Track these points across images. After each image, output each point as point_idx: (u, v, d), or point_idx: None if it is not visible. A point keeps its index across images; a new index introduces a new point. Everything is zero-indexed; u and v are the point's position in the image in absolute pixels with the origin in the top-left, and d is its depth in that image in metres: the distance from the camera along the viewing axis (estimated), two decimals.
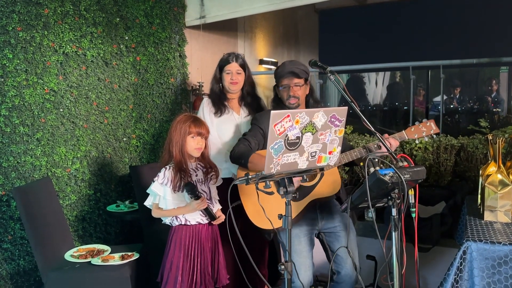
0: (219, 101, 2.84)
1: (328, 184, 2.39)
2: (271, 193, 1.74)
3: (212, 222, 2.37)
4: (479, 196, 2.44)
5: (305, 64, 2.52)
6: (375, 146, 2.38)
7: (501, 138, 2.17)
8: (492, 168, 2.25)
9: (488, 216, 2.18)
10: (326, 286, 2.70)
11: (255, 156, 2.34)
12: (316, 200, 2.41)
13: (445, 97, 6.09)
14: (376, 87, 7.04)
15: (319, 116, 1.71)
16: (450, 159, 3.29)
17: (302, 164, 1.75)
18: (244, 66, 2.86)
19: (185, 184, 2.23)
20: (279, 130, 1.63)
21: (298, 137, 1.68)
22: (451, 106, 6.15)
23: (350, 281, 2.39)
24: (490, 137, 2.36)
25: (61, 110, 3.30)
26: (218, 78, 2.87)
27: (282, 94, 2.53)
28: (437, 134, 2.37)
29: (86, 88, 3.46)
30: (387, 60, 4.27)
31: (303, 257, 2.37)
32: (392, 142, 2.29)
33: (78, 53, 3.39)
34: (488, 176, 2.19)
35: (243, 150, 2.39)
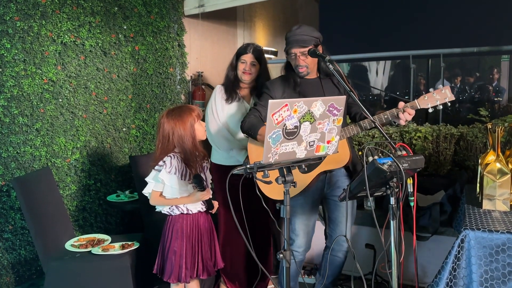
0: (232, 88, 2.85)
1: (335, 157, 2.37)
2: (269, 182, 1.74)
3: (209, 211, 2.39)
4: (477, 185, 2.44)
5: (314, 30, 2.43)
6: (385, 117, 2.31)
7: (500, 127, 2.16)
8: (491, 157, 2.25)
9: (486, 205, 2.18)
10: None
11: (265, 129, 2.29)
12: (325, 172, 2.45)
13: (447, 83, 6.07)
14: (377, 76, 7.01)
15: (317, 105, 1.71)
16: (449, 148, 3.29)
17: (301, 153, 1.74)
18: (260, 58, 2.85)
19: (194, 176, 2.24)
20: (277, 119, 1.63)
21: (296, 127, 1.68)
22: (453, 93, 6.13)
23: (343, 244, 2.53)
24: (489, 126, 2.35)
25: (60, 100, 3.29)
26: (234, 66, 2.87)
27: (291, 62, 2.47)
28: (451, 102, 2.25)
29: (85, 78, 3.45)
30: (388, 49, 4.24)
31: (304, 224, 2.50)
32: (410, 112, 2.24)
33: (76, 42, 3.38)
34: (487, 164, 2.19)
35: (254, 122, 2.36)
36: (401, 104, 2.29)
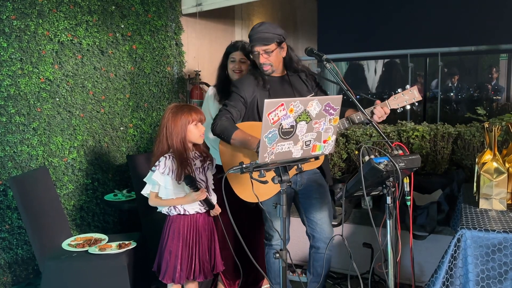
0: (224, 88, 2.81)
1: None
2: (265, 182, 1.74)
3: (210, 211, 2.38)
4: (474, 184, 2.44)
5: (277, 26, 2.40)
6: (358, 117, 2.33)
7: (497, 126, 2.16)
8: (488, 156, 2.25)
9: (483, 204, 2.18)
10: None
11: (238, 133, 2.25)
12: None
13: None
14: (376, 75, 7.00)
15: (314, 105, 1.71)
16: (447, 147, 3.28)
17: (297, 153, 1.74)
18: (249, 55, 2.82)
19: (185, 177, 2.23)
20: (273, 119, 1.63)
21: (292, 126, 1.68)
22: (451, 94, 6.12)
23: (325, 241, 2.51)
24: (486, 125, 2.35)
25: (57, 99, 3.29)
26: (224, 65, 2.86)
27: (255, 61, 2.44)
28: (419, 102, 2.31)
29: (82, 77, 3.44)
30: (386, 47, 4.24)
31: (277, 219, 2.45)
32: (386, 110, 2.29)
33: (73, 41, 3.37)
34: (483, 164, 2.19)
35: (226, 125, 2.30)
36: (377, 102, 2.32)
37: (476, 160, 2.42)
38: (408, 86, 2.32)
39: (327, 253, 2.60)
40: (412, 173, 1.95)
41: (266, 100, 1.59)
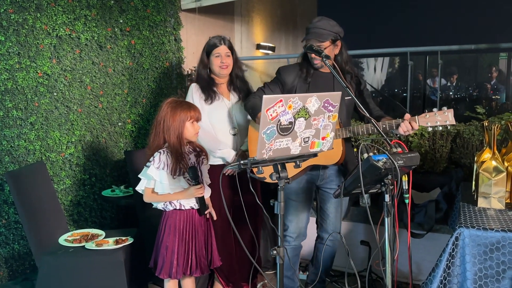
0: (208, 87, 2.75)
1: (326, 153, 2.36)
2: (263, 179, 1.73)
3: (201, 212, 2.35)
4: (473, 182, 2.43)
5: (335, 24, 2.42)
6: (384, 126, 2.31)
7: (496, 125, 2.15)
8: (487, 155, 2.24)
9: (481, 203, 2.18)
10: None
11: None
12: (314, 166, 2.48)
13: (443, 82, 6.06)
14: (375, 73, 6.99)
15: (312, 101, 1.69)
16: (446, 146, 3.28)
17: (295, 149, 1.73)
18: (232, 48, 2.79)
19: (190, 167, 2.23)
20: (271, 115, 1.61)
21: (290, 122, 1.67)
22: (450, 93, 6.12)
23: (331, 233, 2.63)
24: (485, 124, 2.34)
25: (55, 94, 3.27)
26: (205, 63, 2.77)
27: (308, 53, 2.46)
28: (452, 125, 2.24)
29: (80, 72, 3.42)
30: (386, 45, 4.22)
31: (298, 211, 2.56)
32: (414, 125, 2.25)
33: (71, 36, 3.35)
34: (482, 162, 2.18)
35: (257, 103, 2.42)
36: (407, 116, 2.28)
37: (475, 158, 2.41)
38: (444, 108, 2.26)
39: (331, 246, 2.69)
40: (410, 171, 1.94)
41: (264, 96, 1.58)
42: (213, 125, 2.76)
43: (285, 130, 1.67)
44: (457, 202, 2.70)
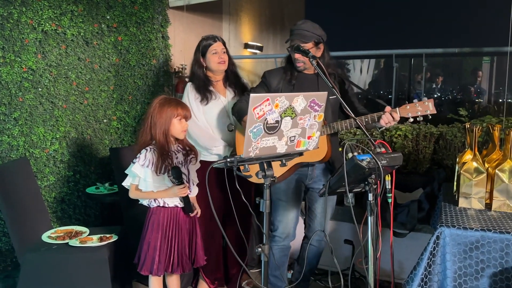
0: (204, 88, 2.76)
1: (311, 151, 2.41)
2: (249, 176, 1.74)
3: (186, 211, 2.35)
4: (454, 183, 2.48)
5: (318, 27, 2.48)
6: (366, 119, 2.35)
7: (478, 127, 2.20)
8: (468, 156, 2.29)
9: (462, 203, 2.22)
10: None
11: None
12: (302, 163, 2.50)
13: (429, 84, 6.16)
14: (361, 74, 7.06)
15: (299, 101, 1.71)
16: (429, 147, 3.33)
17: (281, 148, 1.75)
18: (225, 45, 2.84)
19: (172, 167, 2.23)
20: (258, 113, 1.63)
21: (277, 121, 1.68)
22: (435, 96, 6.21)
23: (319, 234, 2.66)
24: (467, 126, 2.39)
25: (40, 89, 3.23)
26: (200, 63, 2.78)
27: (291, 55, 2.51)
28: (432, 115, 2.26)
29: (66, 67, 3.39)
30: (373, 47, 4.26)
31: (288, 211, 2.58)
32: (395, 116, 2.28)
33: (57, 31, 3.32)
34: (464, 163, 2.23)
35: (243, 107, 2.46)
36: (387, 108, 2.32)
37: (457, 159, 2.46)
38: (425, 98, 2.29)
39: (317, 246, 2.72)
40: (393, 170, 1.97)
41: (251, 95, 1.60)
42: (210, 122, 2.78)
43: (272, 128, 1.68)
44: (439, 202, 2.75)
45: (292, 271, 3.02)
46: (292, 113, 1.71)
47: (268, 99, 1.63)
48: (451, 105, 6.20)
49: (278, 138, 1.72)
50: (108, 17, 3.64)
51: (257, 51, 5.42)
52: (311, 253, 2.74)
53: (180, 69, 4.07)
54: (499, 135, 2.32)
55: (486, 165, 2.24)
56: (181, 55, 4.17)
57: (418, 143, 3.35)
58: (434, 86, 6.57)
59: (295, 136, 1.77)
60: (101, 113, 3.69)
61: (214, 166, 1.73)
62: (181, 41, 4.18)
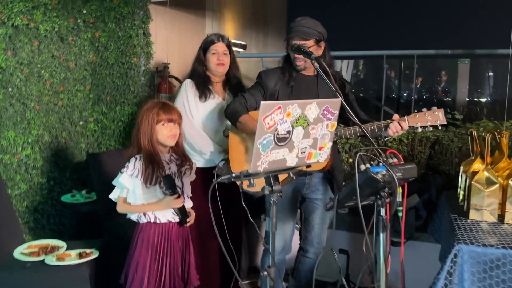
0: (204, 85, 2.64)
1: None
2: (257, 194, 1.57)
3: (182, 223, 2.16)
4: (461, 192, 2.37)
5: (319, 24, 2.35)
6: (372, 127, 2.23)
7: (489, 135, 2.09)
8: (477, 165, 2.18)
9: (473, 215, 2.11)
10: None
11: (246, 117, 2.28)
12: (300, 172, 2.33)
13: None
14: (346, 73, 6.97)
15: (312, 109, 1.55)
16: (424, 152, 3.24)
17: (291, 161, 1.58)
18: (230, 47, 2.69)
19: (164, 176, 2.02)
20: (268, 123, 1.45)
21: (288, 132, 1.51)
22: (425, 97, 6.21)
23: (316, 246, 2.52)
24: (474, 133, 2.29)
25: (10, 89, 2.97)
26: (201, 60, 2.67)
27: (290, 54, 2.38)
28: (443, 126, 2.18)
29: (39, 65, 3.14)
30: (359, 47, 4.16)
31: (284, 222, 2.44)
32: (403, 125, 2.18)
33: (29, 26, 3.06)
34: (474, 173, 2.12)
35: (237, 108, 2.33)
36: (395, 116, 2.20)
37: (463, 168, 2.35)
38: (435, 108, 2.18)
39: (313, 258, 2.57)
40: (406, 184, 1.84)
41: (262, 102, 1.42)
42: (205, 125, 2.63)
43: (282, 140, 1.51)
44: (440, 211, 2.65)
45: (287, 284, 2.89)
46: (304, 122, 1.54)
47: (280, 107, 1.45)
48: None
49: (288, 150, 1.55)
50: (84, 12, 3.39)
51: (241, 50, 5.23)
52: (307, 266, 2.60)
53: (163, 68, 3.85)
54: (507, 143, 2.22)
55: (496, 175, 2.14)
56: (163, 53, 3.95)
57: (413, 148, 3.25)
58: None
59: (306, 148, 1.60)
60: (77, 114, 3.45)
61: (218, 181, 1.55)
62: (163, 38, 3.96)
